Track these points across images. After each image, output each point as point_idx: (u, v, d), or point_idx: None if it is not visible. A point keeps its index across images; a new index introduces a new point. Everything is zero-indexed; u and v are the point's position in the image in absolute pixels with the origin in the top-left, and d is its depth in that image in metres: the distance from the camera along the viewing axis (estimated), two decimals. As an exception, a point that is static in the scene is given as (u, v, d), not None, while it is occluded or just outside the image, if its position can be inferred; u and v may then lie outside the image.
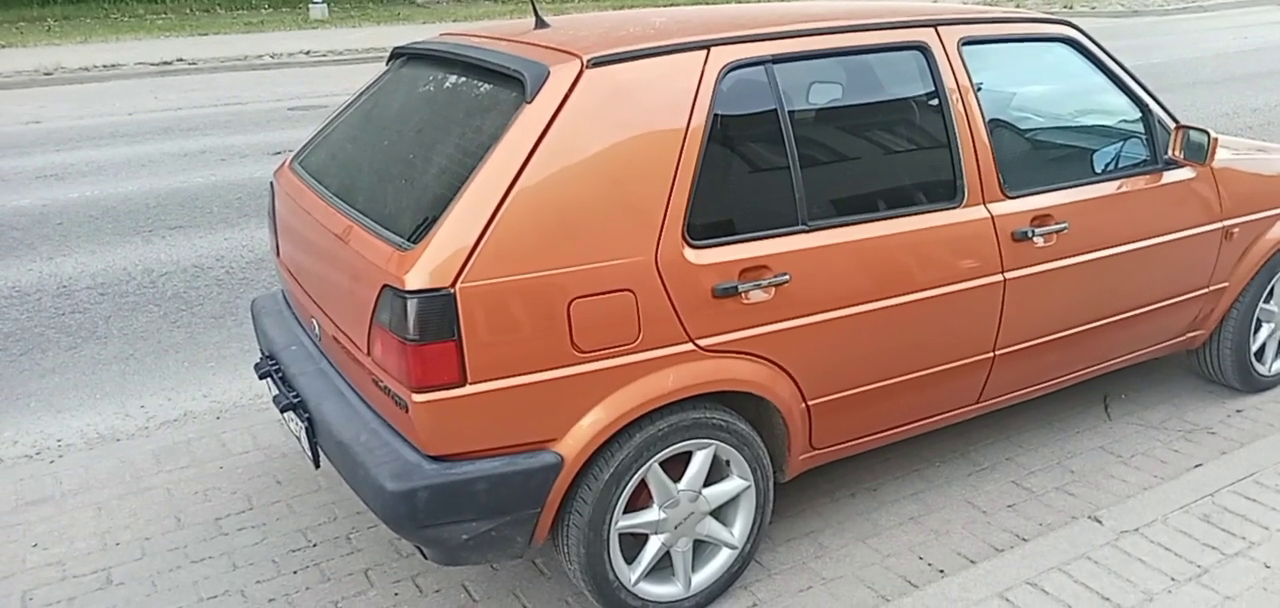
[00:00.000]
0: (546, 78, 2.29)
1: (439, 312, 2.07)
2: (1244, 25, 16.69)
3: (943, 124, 2.73)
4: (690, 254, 2.31)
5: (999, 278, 2.79)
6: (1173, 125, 3.11)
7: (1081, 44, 3.04)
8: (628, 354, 2.26)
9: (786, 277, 2.43)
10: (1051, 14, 3.00)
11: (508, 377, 2.15)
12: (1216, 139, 3.00)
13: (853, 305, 2.55)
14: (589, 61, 2.32)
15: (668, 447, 2.38)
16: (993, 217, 2.77)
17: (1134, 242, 3.06)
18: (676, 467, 2.46)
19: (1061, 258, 2.90)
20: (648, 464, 2.37)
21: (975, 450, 3.34)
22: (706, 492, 2.51)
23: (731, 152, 2.47)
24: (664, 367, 2.31)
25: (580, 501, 2.33)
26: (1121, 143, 3.12)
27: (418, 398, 2.10)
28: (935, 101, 2.74)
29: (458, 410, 2.13)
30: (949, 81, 2.75)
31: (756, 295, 2.41)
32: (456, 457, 2.18)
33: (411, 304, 2.07)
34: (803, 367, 2.52)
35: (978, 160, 2.76)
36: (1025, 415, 3.52)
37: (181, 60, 14.10)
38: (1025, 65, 3.15)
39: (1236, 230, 3.30)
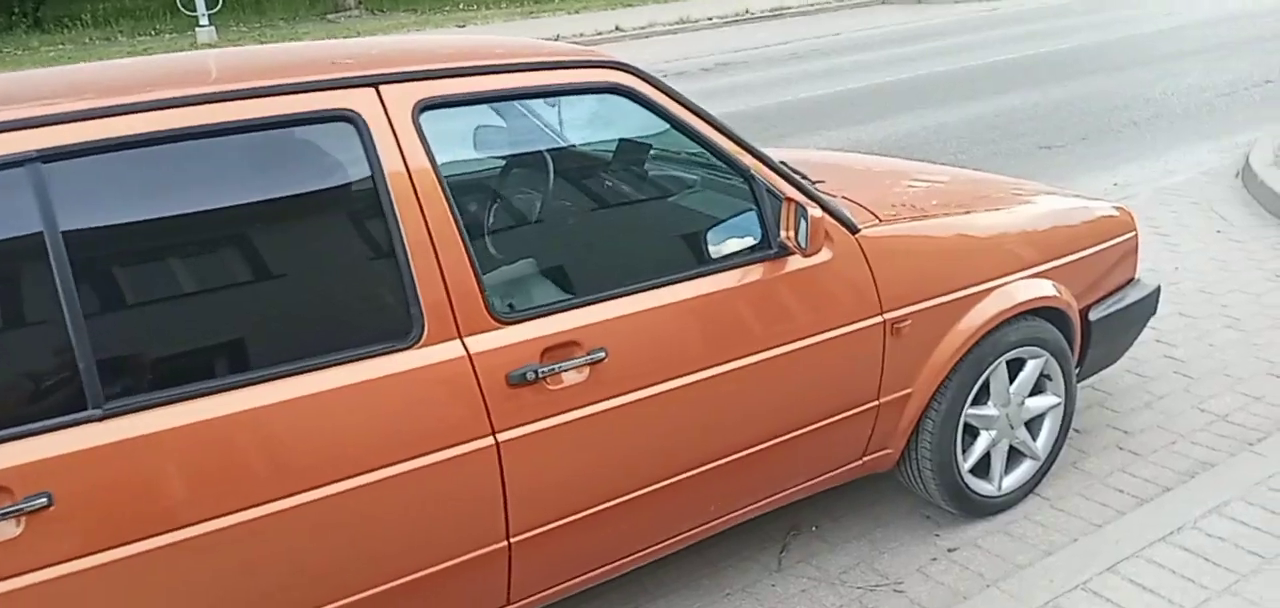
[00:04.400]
0: None
1: None
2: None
3: (384, 229, 1.87)
4: None
5: (488, 442, 1.93)
6: (785, 196, 2.24)
7: (640, 93, 2.16)
8: None
9: (43, 501, 1.56)
10: (602, 54, 2.13)
11: None
12: (818, 219, 2.13)
13: (208, 519, 1.69)
14: None
15: None
16: (471, 355, 1.91)
17: (731, 359, 2.20)
18: None
19: (600, 399, 2.04)
20: None
21: (581, 634, 2.48)
22: None
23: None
24: None
25: None
26: (715, 225, 2.26)
27: None
28: (371, 198, 1.87)
29: None
30: (393, 166, 1.88)
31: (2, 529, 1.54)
32: None
33: None
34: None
35: (444, 276, 1.90)
36: (678, 565, 2.66)
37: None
38: (556, 130, 2.28)
39: (907, 323, 2.45)
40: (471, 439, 1.92)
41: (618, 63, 2.15)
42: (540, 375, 1.96)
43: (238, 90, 1.79)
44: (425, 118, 1.94)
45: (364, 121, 1.87)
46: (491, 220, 2.07)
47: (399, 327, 1.87)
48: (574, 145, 2.31)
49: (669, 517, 2.28)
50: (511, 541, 2.03)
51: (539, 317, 2.00)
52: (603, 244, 2.28)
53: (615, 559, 2.25)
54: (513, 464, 1.97)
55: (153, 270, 1.77)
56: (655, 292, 2.13)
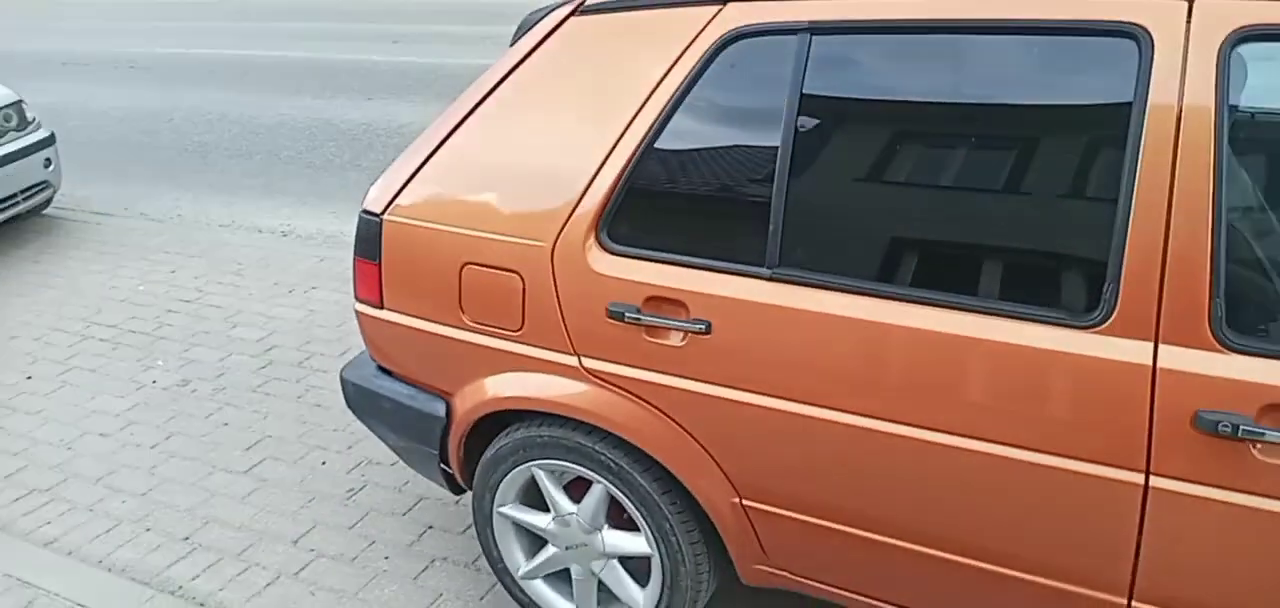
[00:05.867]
0: (537, 21, 2.11)
1: (371, 233, 2.23)
2: None
3: (1114, 176, 1.52)
4: (595, 256, 1.92)
5: (1134, 478, 1.51)
6: None
7: None
8: (507, 340, 2.05)
9: (703, 326, 1.80)
10: None
11: (410, 315, 2.19)
12: None
13: (823, 406, 1.74)
14: (582, 7, 2.04)
15: (549, 458, 2.10)
16: (1156, 368, 1.48)
17: None
18: (584, 486, 2.13)
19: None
20: (525, 465, 2.13)
21: None
22: (608, 535, 2.12)
23: (700, 146, 1.87)
24: (541, 370, 2.02)
25: (474, 466, 2.24)
26: None
27: (356, 305, 2.31)
28: (1118, 135, 1.52)
29: (379, 329, 2.27)
30: (1163, 100, 1.48)
31: (673, 338, 1.86)
32: (389, 372, 2.33)
33: (360, 218, 2.27)
34: (728, 452, 1.87)
35: (1166, 259, 1.47)
36: None
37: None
38: None
39: None
40: (1112, 465, 1.52)
41: None
42: (1253, 435, 1.41)
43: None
44: (1238, 53, 1.46)
45: (1151, 42, 1.49)
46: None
47: (1082, 298, 1.54)
48: None
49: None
50: (1134, 605, 1.58)
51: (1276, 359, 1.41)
52: None
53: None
54: (1160, 521, 1.50)
55: (858, 161, 1.76)
56: None
